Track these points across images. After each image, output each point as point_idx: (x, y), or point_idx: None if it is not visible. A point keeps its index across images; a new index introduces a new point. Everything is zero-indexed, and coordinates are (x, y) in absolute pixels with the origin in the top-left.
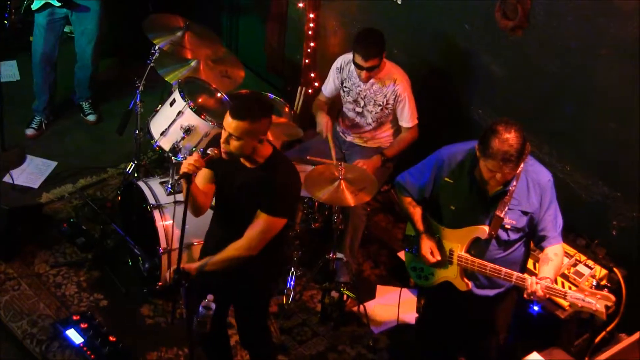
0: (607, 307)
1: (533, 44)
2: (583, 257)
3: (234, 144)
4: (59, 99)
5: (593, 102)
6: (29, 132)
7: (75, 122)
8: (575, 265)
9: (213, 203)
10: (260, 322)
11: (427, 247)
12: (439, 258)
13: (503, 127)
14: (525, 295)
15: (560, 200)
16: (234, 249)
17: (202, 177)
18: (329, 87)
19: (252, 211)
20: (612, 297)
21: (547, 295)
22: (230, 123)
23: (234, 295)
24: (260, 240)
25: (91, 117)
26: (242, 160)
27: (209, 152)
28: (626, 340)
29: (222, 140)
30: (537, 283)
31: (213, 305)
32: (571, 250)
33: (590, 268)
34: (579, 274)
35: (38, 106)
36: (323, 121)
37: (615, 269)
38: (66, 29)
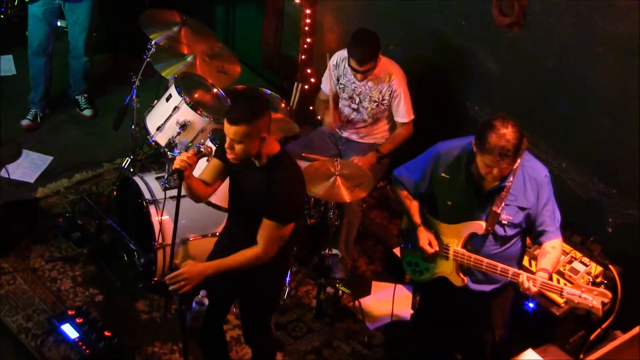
0: (603, 304)
1: (529, 40)
2: (579, 254)
3: (238, 147)
4: (55, 93)
5: (589, 99)
6: (24, 122)
7: (71, 116)
8: (570, 262)
9: (210, 199)
10: (266, 319)
11: (425, 238)
12: (437, 249)
13: (500, 122)
14: (521, 290)
15: (556, 197)
16: (250, 257)
17: (211, 169)
18: (327, 85)
19: (257, 214)
20: (609, 294)
21: (542, 291)
22: (228, 129)
23: (242, 291)
24: (274, 247)
25: (87, 112)
26: (252, 158)
27: (202, 149)
28: (621, 338)
29: (226, 146)
30: (529, 279)
31: (206, 301)
32: (567, 247)
33: (586, 265)
34: (575, 271)
35: (34, 98)
36: (331, 117)
37: (610, 266)
38: (62, 24)
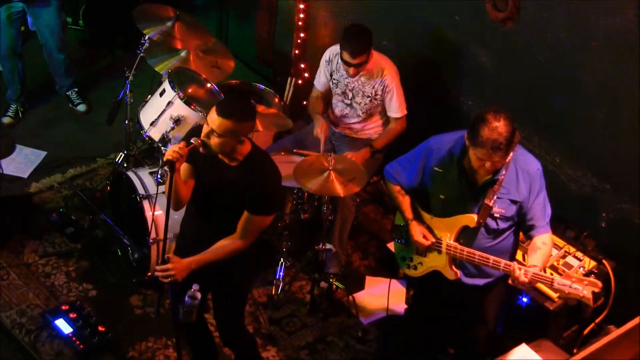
0: (594, 294)
1: (523, 35)
2: (572, 249)
3: (215, 140)
4: (48, 89)
5: (583, 94)
6: (5, 120)
7: (64, 111)
8: (564, 256)
9: None
10: (239, 314)
11: (419, 232)
12: (433, 240)
13: (492, 116)
14: (510, 281)
15: (549, 192)
16: (233, 249)
17: (183, 170)
18: (320, 81)
19: (235, 209)
20: (599, 284)
21: (533, 282)
22: (214, 120)
23: (214, 288)
24: (256, 237)
25: (81, 107)
26: (220, 156)
27: (192, 141)
28: (615, 332)
29: (202, 134)
30: (520, 269)
31: (199, 295)
32: (560, 242)
33: (580, 260)
34: (568, 266)
35: (11, 95)
36: (319, 124)
37: (604, 261)
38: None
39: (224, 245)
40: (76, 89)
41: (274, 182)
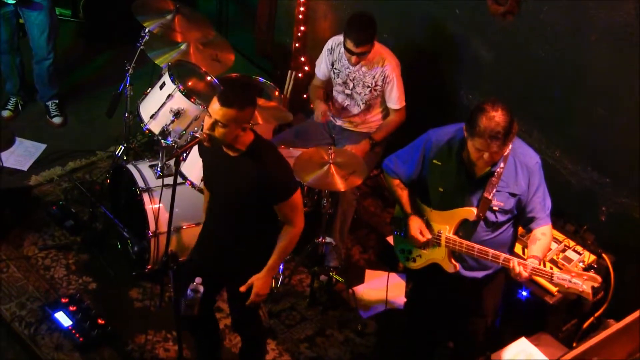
0: (593, 289)
1: (523, 29)
2: (572, 243)
3: (219, 130)
4: None
5: (582, 88)
6: (5, 113)
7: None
8: (564, 250)
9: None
10: (254, 307)
11: (416, 227)
12: (429, 237)
13: (490, 106)
14: (512, 275)
15: (549, 186)
16: (292, 237)
17: None
18: (321, 70)
19: (241, 200)
20: (599, 278)
21: (532, 277)
22: (217, 110)
23: (230, 279)
24: (301, 214)
25: (57, 120)
26: (224, 148)
27: (197, 134)
28: (614, 326)
29: (205, 127)
30: (520, 264)
31: (201, 289)
32: (560, 236)
33: (579, 254)
34: (568, 260)
35: (11, 89)
36: (319, 108)
37: (604, 255)
38: None
39: (284, 239)
40: (56, 101)
41: (281, 167)
